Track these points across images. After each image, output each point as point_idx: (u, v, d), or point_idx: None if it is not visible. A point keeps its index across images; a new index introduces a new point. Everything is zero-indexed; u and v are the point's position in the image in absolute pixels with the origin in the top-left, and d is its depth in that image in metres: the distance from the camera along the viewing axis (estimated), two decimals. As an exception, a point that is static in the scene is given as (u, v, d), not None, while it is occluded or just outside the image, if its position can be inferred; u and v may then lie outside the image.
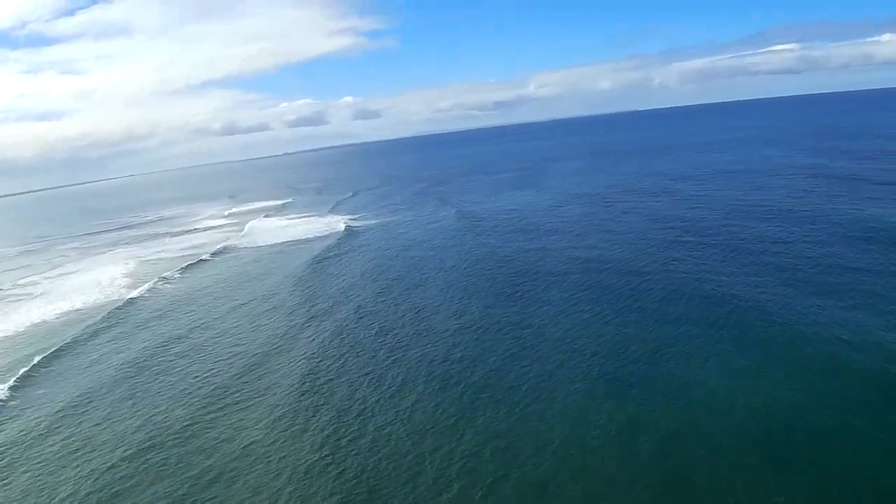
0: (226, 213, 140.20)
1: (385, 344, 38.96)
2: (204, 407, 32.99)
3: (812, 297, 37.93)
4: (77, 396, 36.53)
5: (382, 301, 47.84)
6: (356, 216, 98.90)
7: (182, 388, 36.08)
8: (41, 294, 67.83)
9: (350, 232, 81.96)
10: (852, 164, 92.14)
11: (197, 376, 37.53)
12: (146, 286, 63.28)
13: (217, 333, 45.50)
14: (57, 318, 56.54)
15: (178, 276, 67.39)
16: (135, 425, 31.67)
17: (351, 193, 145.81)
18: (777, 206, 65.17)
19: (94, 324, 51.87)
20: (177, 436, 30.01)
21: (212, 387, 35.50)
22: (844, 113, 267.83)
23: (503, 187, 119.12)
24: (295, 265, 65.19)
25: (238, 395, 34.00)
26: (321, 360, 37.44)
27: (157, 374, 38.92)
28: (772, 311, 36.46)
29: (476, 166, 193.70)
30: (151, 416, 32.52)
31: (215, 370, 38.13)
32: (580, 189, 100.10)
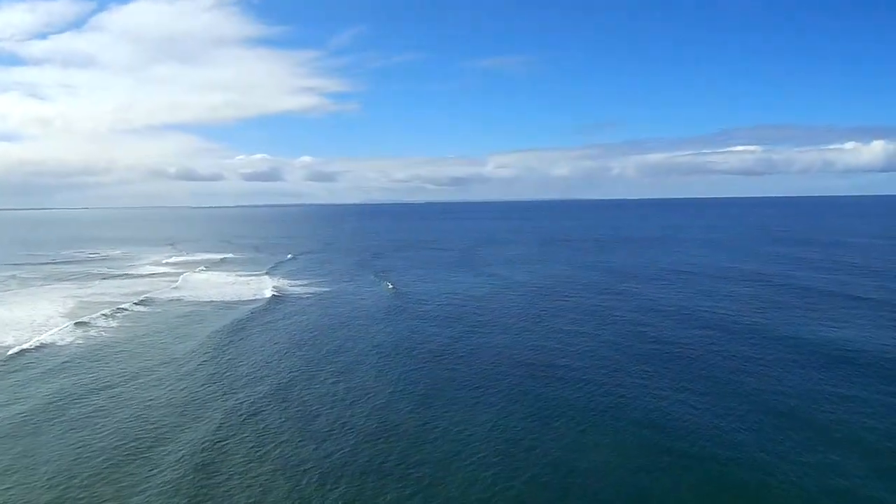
0: (165, 260, 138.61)
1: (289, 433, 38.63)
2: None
3: (783, 430, 36.02)
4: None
5: (294, 385, 46.18)
6: (291, 282, 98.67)
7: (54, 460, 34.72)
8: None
9: (280, 300, 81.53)
10: (805, 272, 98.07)
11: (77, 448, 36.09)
12: (64, 329, 62.73)
13: (117, 397, 43.79)
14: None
15: (103, 322, 66.65)
16: None
17: (290, 256, 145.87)
18: (723, 315, 66.86)
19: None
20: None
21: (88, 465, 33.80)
22: (801, 217, 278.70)
23: (447, 266, 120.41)
24: (218, 327, 64.25)
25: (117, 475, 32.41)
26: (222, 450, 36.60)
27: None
28: (740, 448, 33.64)
29: (423, 241, 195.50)
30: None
31: (100, 444, 36.23)
32: (525, 277, 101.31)
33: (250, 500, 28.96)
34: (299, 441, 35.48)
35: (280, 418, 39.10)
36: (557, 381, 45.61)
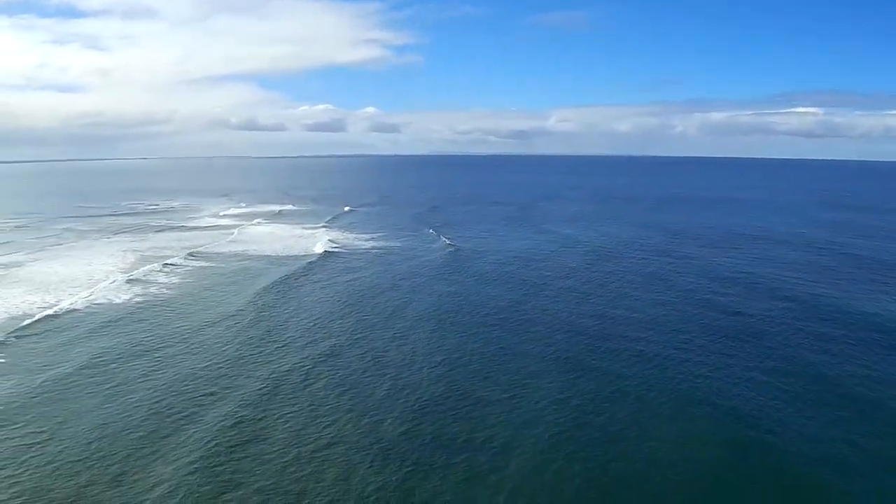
0: (223, 212, 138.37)
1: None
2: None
3: (866, 423, 32.28)
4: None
5: (345, 350, 44.09)
6: (346, 236, 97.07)
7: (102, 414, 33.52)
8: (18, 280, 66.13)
9: (334, 255, 79.59)
10: (877, 243, 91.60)
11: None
12: (117, 287, 61.76)
13: (162, 360, 42.46)
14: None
15: (156, 278, 65.45)
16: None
17: (348, 208, 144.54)
18: (790, 285, 62.47)
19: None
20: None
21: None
22: (863, 182, 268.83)
23: (506, 222, 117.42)
24: (270, 284, 62.77)
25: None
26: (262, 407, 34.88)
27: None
28: (817, 442, 30.17)
29: (483, 195, 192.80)
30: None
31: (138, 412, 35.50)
32: (585, 236, 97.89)
33: (300, 475, 27.23)
34: (351, 412, 33.50)
35: (330, 386, 37.09)
36: (619, 354, 42.54)
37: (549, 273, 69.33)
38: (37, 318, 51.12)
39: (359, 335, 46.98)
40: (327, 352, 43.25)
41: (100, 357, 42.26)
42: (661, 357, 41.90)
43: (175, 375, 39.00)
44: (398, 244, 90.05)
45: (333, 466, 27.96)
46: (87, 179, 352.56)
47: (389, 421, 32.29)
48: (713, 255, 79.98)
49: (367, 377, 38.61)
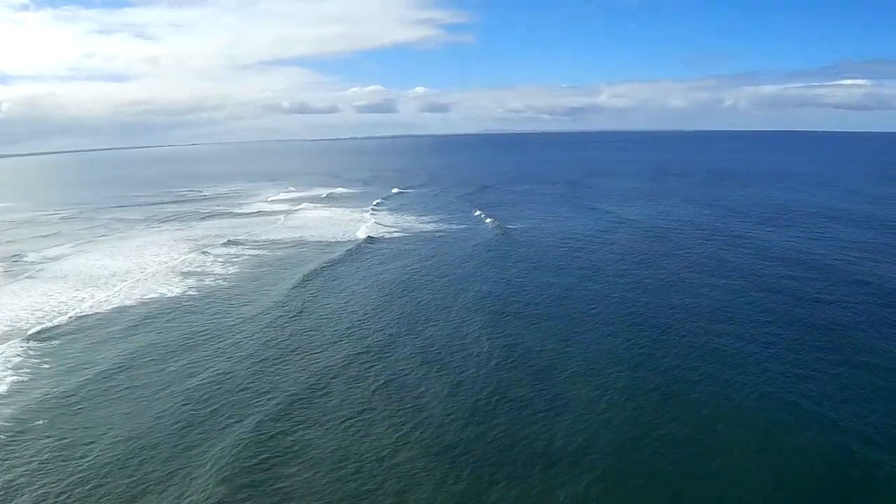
0: (272, 197, 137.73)
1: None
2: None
3: None
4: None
5: (390, 345, 41.96)
6: (394, 219, 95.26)
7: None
8: (56, 276, 65.26)
9: (381, 241, 77.70)
10: None
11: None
12: (162, 282, 60.87)
13: (197, 362, 41.39)
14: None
15: (201, 269, 64.16)
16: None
17: (396, 190, 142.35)
18: (854, 267, 57.97)
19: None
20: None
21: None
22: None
23: (557, 201, 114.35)
24: (316, 272, 61.20)
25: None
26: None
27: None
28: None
29: (533, 173, 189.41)
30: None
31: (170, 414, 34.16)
32: (637, 214, 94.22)
33: (354, 485, 25.51)
34: (407, 414, 31.52)
35: (381, 385, 35.08)
36: (689, 349, 39.11)
37: (603, 256, 66.08)
38: (83, 313, 50.15)
39: (409, 328, 44.81)
40: (377, 346, 41.21)
41: (148, 352, 41.34)
42: (734, 351, 38.47)
43: (223, 371, 37.72)
44: (446, 227, 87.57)
45: (391, 478, 25.96)
46: (136, 167, 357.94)
47: (449, 424, 30.25)
48: (773, 234, 75.67)
49: (420, 374, 36.52)
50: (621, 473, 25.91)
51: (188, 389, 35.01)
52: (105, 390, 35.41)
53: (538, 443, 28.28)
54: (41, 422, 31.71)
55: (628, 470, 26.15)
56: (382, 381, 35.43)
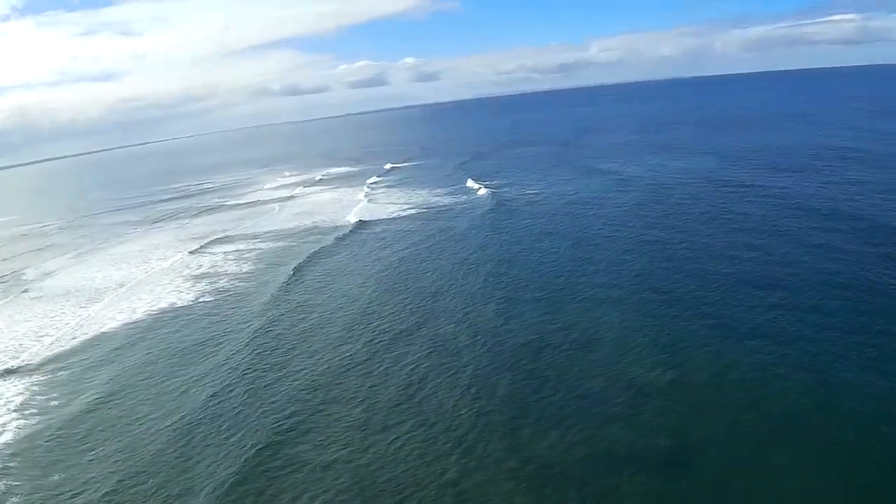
0: (267, 186, 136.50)
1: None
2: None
3: None
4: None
5: (394, 342, 40.24)
6: (387, 199, 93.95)
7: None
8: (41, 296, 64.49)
9: (373, 224, 76.79)
10: None
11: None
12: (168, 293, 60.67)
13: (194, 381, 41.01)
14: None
15: (215, 265, 64.40)
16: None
17: (389, 166, 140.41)
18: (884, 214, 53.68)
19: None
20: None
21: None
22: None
23: (552, 163, 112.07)
24: (308, 262, 60.51)
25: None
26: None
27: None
28: None
29: (527, 135, 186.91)
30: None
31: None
32: (636, 171, 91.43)
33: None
34: (419, 414, 30.44)
35: (392, 383, 33.98)
36: (732, 331, 34.68)
37: (610, 221, 62.79)
38: (88, 335, 48.63)
39: (416, 319, 42.79)
40: (383, 339, 39.98)
41: (153, 370, 40.48)
42: (787, 335, 33.62)
43: (238, 377, 36.88)
44: (442, 202, 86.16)
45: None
46: (132, 166, 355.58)
47: (434, 419, 29.52)
48: (786, 182, 71.24)
49: (430, 367, 35.08)
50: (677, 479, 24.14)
51: (185, 416, 33.91)
52: (102, 419, 34.78)
53: (599, 446, 26.41)
54: (45, 457, 31.31)
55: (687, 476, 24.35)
56: (394, 380, 34.06)
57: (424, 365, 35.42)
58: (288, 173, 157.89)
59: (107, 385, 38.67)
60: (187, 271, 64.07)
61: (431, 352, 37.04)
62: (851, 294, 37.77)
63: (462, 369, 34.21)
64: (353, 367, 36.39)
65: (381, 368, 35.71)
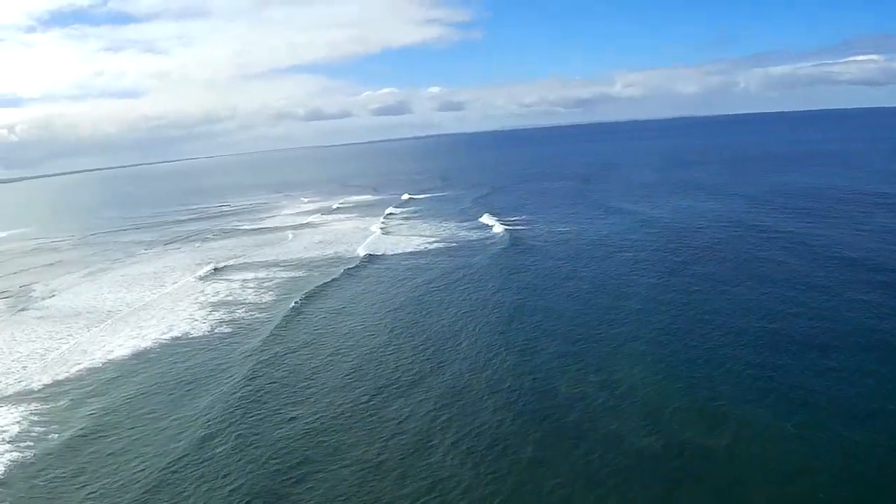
0: (285, 212, 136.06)
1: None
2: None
3: None
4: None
5: (399, 392, 38.75)
6: (401, 235, 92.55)
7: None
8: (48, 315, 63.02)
9: (384, 259, 74.72)
10: None
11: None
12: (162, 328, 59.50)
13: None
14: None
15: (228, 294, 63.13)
16: None
17: (407, 197, 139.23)
18: None
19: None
20: None
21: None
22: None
23: (573, 200, 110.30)
24: (315, 296, 58.95)
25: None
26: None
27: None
28: None
29: (548, 169, 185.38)
30: None
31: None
32: (659, 212, 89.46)
33: None
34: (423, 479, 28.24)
35: (395, 434, 32.04)
36: (782, 400, 31.78)
37: (630, 267, 60.13)
38: (95, 361, 46.74)
39: (423, 363, 40.86)
40: (391, 386, 37.71)
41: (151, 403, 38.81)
42: (836, 401, 31.12)
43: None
44: (458, 237, 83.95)
45: None
46: (151, 184, 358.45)
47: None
48: (817, 229, 68.62)
49: (444, 422, 32.61)
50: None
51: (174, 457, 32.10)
52: (97, 453, 33.13)
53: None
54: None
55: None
56: (408, 446, 30.76)
57: (438, 419, 32.99)
58: (306, 199, 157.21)
59: (106, 417, 37.10)
60: (200, 297, 62.50)
61: (445, 405, 34.54)
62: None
63: (481, 428, 31.67)
64: (357, 416, 34.30)
65: (388, 420, 33.53)
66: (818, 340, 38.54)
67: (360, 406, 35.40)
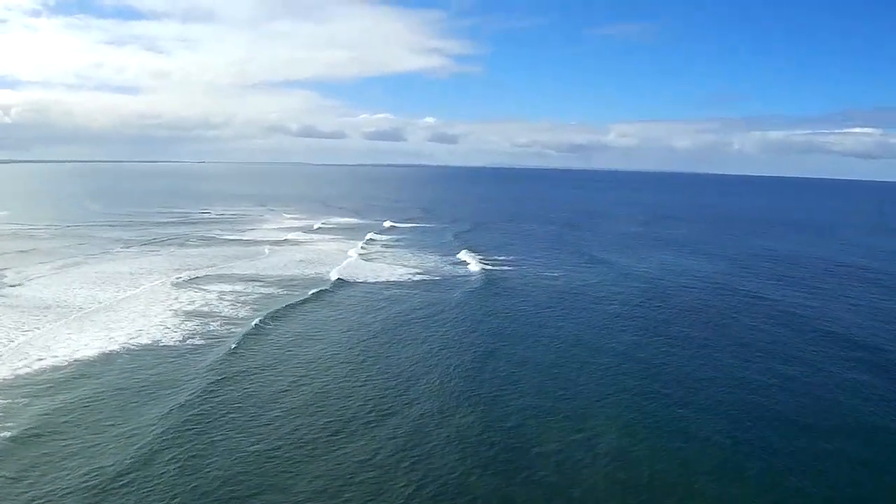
0: (267, 226, 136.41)
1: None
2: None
3: None
4: None
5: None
6: (376, 262, 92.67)
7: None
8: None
9: (353, 286, 74.81)
10: None
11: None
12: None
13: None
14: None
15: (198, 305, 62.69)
16: None
17: (389, 224, 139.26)
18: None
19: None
20: None
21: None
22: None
23: (554, 245, 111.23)
24: (283, 320, 58.82)
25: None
26: None
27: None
28: None
29: (534, 211, 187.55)
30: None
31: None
32: (643, 266, 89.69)
33: None
34: None
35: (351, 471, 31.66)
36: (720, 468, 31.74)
37: (604, 321, 59.51)
38: (58, 360, 45.59)
39: (384, 399, 40.15)
40: (350, 420, 36.90)
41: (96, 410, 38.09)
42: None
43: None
44: (435, 271, 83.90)
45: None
46: (140, 182, 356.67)
47: None
48: (799, 299, 69.64)
49: (398, 463, 32.05)
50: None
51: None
52: (40, 456, 32.53)
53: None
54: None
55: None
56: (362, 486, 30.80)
57: (403, 462, 31.94)
58: (288, 216, 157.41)
59: (61, 417, 36.27)
60: (174, 304, 61.85)
61: (413, 446, 33.57)
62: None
63: (449, 476, 30.87)
64: (320, 450, 33.30)
65: (352, 456, 32.58)
66: (798, 417, 38.12)
67: (324, 439, 34.40)
